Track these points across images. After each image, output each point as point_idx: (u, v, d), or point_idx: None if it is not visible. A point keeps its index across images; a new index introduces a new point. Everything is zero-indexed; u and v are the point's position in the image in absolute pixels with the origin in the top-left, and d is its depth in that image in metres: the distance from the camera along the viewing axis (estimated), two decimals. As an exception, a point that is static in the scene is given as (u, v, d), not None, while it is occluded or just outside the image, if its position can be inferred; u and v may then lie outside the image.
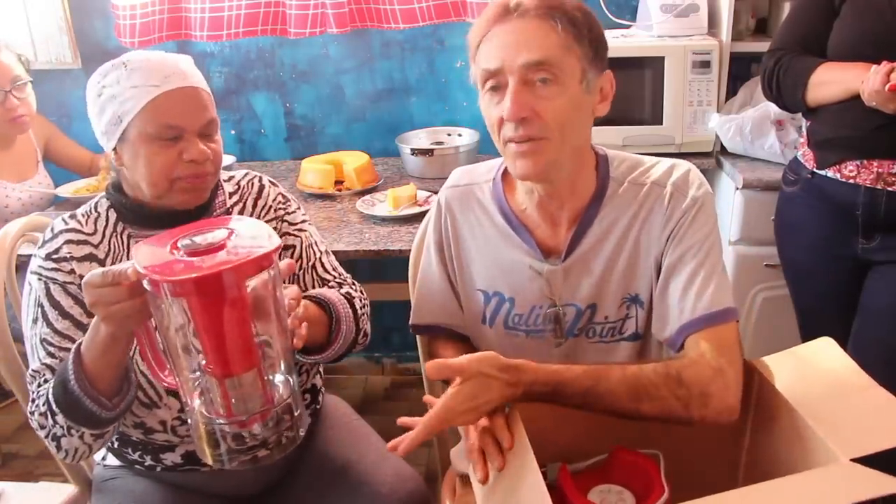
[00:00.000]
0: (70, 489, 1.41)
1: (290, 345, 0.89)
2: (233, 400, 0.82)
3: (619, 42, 2.06)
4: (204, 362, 0.82)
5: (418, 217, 1.83)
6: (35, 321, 1.10)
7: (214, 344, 0.79)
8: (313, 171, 2.17)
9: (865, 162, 1.45)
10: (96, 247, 1.13)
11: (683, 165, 1.07)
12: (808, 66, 1.49)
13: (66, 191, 2.17)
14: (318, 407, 1.36)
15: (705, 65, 1.99)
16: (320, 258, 1.27)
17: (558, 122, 0.97)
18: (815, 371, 0.93)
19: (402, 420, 0.93)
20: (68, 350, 1.04)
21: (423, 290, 1.22)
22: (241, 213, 1.23)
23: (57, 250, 1.11)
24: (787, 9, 1.96)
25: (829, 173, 1.51)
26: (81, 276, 1.05)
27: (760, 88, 1.65)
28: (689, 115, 2.03)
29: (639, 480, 0.89)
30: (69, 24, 2.40)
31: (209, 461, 0.86)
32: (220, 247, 0.78)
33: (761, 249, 1.91)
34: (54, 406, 0.99)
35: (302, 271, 1.24)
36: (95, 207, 1.17)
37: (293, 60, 2.43)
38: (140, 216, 1.14)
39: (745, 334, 2.00)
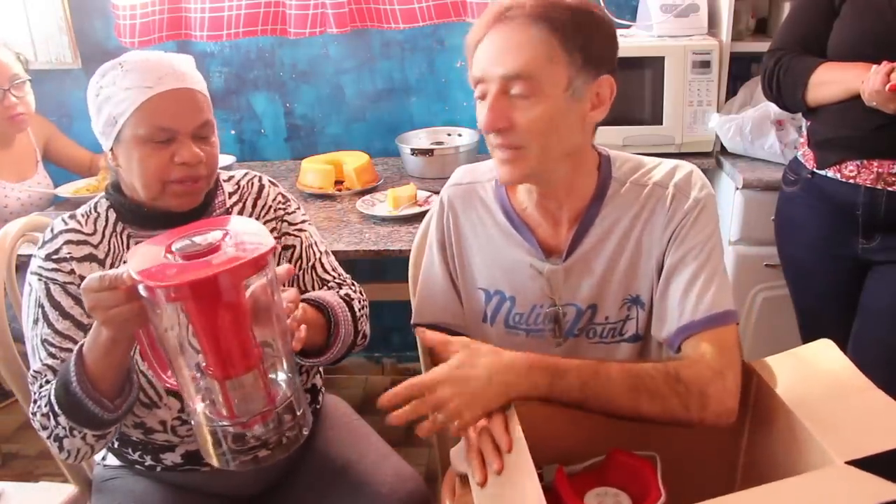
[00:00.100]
0: (70, 489, 1.41)
1: (290, 346, 0.89)
2: (235, 401, 0.82)
3: (619, 42, 2.05)
4: (204, 364, 0.82)
5: (418, 217, 1.83)
6: (36, 322, 1.10)
7: (213, 346, 0.79)
8: (313, 171, 2.17)
9: (865, 162, 1.45)
10: (96, 247, 1.13)
11: (686, 167, 1.07)
12: (809, 66, 1.49)
13: (65, 191, 2.16)
14: (318, 407, 1.36)
15: (705, 65, 1.99)
16: (320, 258, 1.27)
17: (535, 132, 0.97)
18: (813, 373, 0.93)
19: (385, 396, 0.92)
20: (69, 350, 1.04)
21: (424, 288, 1.22)
22: (240, 212, 1.23)
23: (57, 251, 1.11)
24: (787, 9, 1.96)
25: (830, 173, 1.51)
26: (82, 277, 1.06)
27: (760, 88, 1.65)
28: (689, 115, 2.03)
29: (636, 483, 0.89)
30: (69, 24, 2.40)
31: (214, 462, 0.86)
32: (214, 249, 0.78)
33: (761, 249, 1.91)
34: (56, 407, 0.99)
35: (302, 271, 1.24)
36: (95, 207, 1.17)
37: (293, 60, 2.42)
38: (139, 216, 1.14)
39: (745, 334, 2.00)
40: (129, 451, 1.21)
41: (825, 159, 1.52)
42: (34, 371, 1.08)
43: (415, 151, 2.19)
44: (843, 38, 1.46)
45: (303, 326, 0.94)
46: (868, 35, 1.42)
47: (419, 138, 2.32)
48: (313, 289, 1.23)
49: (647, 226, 1.05)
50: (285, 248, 1.24)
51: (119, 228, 1.15)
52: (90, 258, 1.12)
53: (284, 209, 1.27)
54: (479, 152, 2.21)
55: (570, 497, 0.86)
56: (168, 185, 1.08)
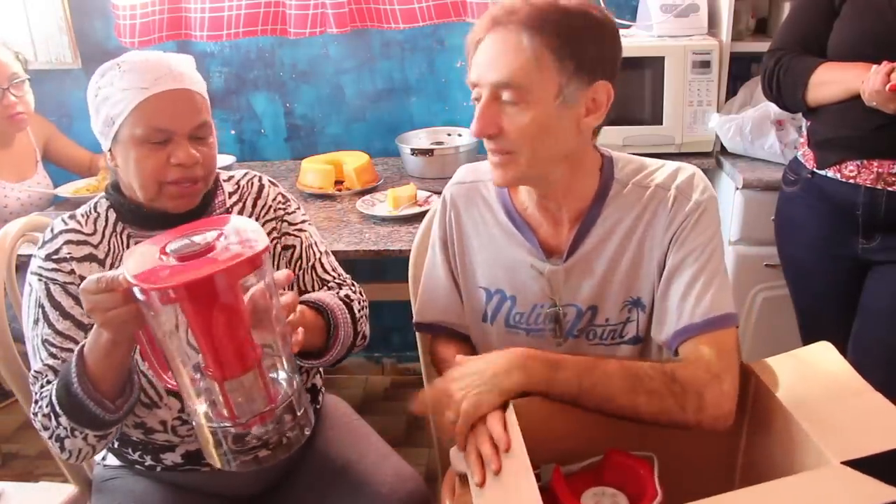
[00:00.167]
0: (70, 489, 1.41)
1: (290, 347, 0.89)
2: (236, 401, 0.82)
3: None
4: (203, 365, 0.82)
5: (418, 217, 1.83)
6: (36, 322, 1.10)
7: (210, 346, 0.79)
8: (313, 171, 2.17)
9: (865, 162, 1.45)
10: (96, 247, 1.13)
11: (688, 169, 1.07)
12: (809, 66, 1.49)
13: (65, 191, 2.16)
14: (318, 407, 1.36)
15: (705, 65, 1.98)
16: (320, 258, 1.27)
17: (525, 138, 0.98)
18: (812, 375, 0.94)
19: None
20: (70, 350, 1.04)
21: (426, 287, 1.23)
22: (240, 212, 1.23)
23: (57, 251, 1.11)
24: (787, 9, 1.96)
25: (830, 173, 1.51)
26: (82, 277, 1.06)
27: (760, 88, 1.65)
28: (689, 115, 2.03)
29: (633, 483, 0.90)
30: (69, 24, 2.40)
31: (216, 463, 0.86)
32: (208, 250, 0.78)
33: (761, 249, 1.91)
34: (57, 408, 0.99)
35: (302, 271, 1.24)
36: (95, 207, 1.17)
37: (293, 60, 2.42)
38: (139, 217, 1.14)
39: (744, 334, 2.00)
40: (130, 451, 1.21)
41: (825, 159, 1.52)
42: (35, 371, 1.08)
43: (415, 151, 2.19)
44: (843, 38, 1.46)
45: (300, 330, 0.94)
46: (868, 35, 1.42)
47: (419, 138, 2.32)
48: (313, 289, 1.23)
49: (648, 228, 1.05)
50: (285, 247, 1.24)
51: (119, 228, 1.15)
52: (90, 258, 1.12)
53: (284, 209, 1.27)
54: (478, 152, 2.21)
55: (567, 496, 0.87)
56: (165, 186, 1.08)
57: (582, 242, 1.07)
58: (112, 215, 1.15)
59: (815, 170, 1.54)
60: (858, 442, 0.80)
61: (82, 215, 1.15)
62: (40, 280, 1.11)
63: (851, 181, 1.47)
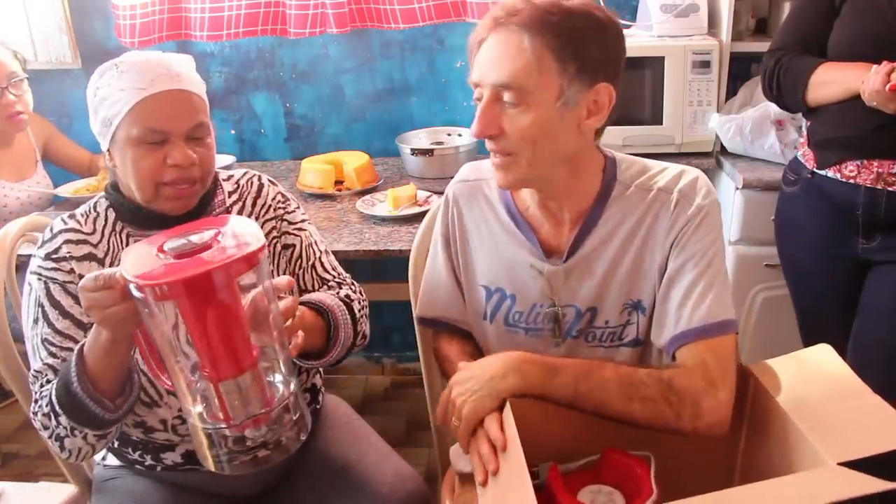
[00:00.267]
0: (70, 489, 1.41)
1: (287, 350, 0.89)
2: (231, 403, 0.82)
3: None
4: (199, 365, 0.82)
5: (418, 217, 1.83)
6: (36, 321, 1.10)
7: (205, 346, 0.79)
8: (313, 171, 2.17)
9: (866, 162, 1.45)
10: (95, 246, 1.13)
11: (692, 172, 1.06)
12: (809, 66, 1.49)
13: (65, 191, 2.16)
14: (318, 407, 1.36)
15: (705, 65, 1.99)
16: (320, 258, 1.27)
17: (525, 140, 0.98)
18: (810, 377, 0.94)
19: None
20: (70, 350, 1.04)
21: (428, 283, 1.23)
22: (240, 212, 1.23)
23: (56, 250, 1.11)
24: (787, 9, 1.96)
25: (830, 173, 1.51)
26: (81, 276, 1.05)
27: (760, 88, 1.65)
28: (689, 115, 2.03)
29: (629, 481, 0.90)
30: (69, 24, 2.40)
31: (209, 465, 0.86)
32: (205, 248, 0.78)
33: (761, 249, 1.91)
34: (57, 407, 0.99)
35: (302, 270, 1.24)
36: (94, 207, 1.17)
37: (293, 60, 2.42)
38: (138, 216, 1.14)
39: (744, 334, 2.00)
40: (130, 450, 1.21)
41: (825, 159, 1.52)
42: (35, 371, 1.08)
43: (415, 151, 2.19)
44: (843, 38, 1.46)
45: (300, 333, 0.94)
46: (868, 35, 1.42)
47: (419, 138, 2.32)
48: (313, 288, 1.23)
49: (650, 231, 1.04)
50: (285, 246, 1.24)
51: (118, 228, 1.15)
52: (89, 257, 1.12)
53: (284, 208, 1.27)
54: (478, 152, 2.21)
55: (563, 494, 0.87)
56: (162, 187, 1.08)
57: (583, 243, 1.07)
58: (111, 215, 1.15)
59: (815, 170, 1.54)
60: (856, 443, 0.80)
61: (82, 215, 1.15)
62: (40, 279, 1.11)
63: (851, 181, 1.47)
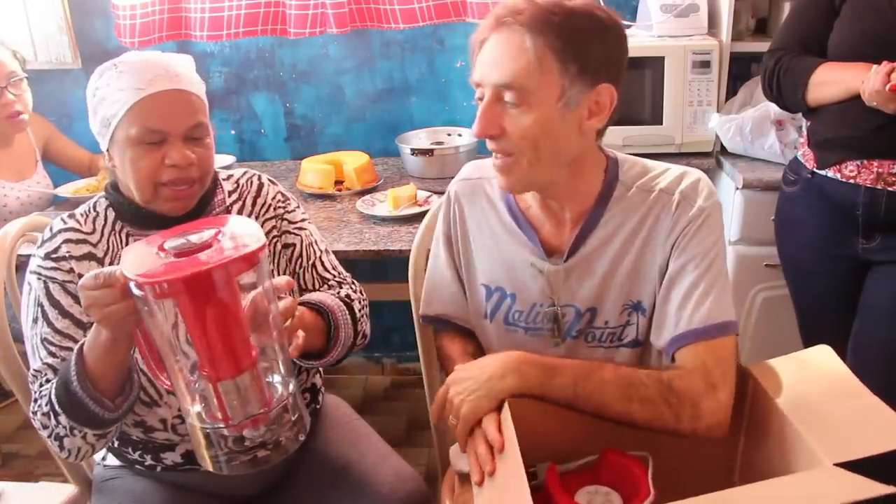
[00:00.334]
0: (70, 489, 1.41)
1: (287, 351, 0.89)
2: (230, 403, 0.82)
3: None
4: (199, 365, 0.82)
5: (418, 217, 1.83)
6: (35, 321, 1.10)
7: (204, 345, 0.79)
8: (313, 171, 2.17)
9: (866, 162, 1.45)
10: (95, 246, 1.13)
11: (694, 174, 1.06)
12: (809, 66, 1.49)
13: (65, 191, 2.16)
14: (318, 407, 1.36)
15: (705, 65, 1.98)
16: (320, 257, 1.27)
17: (526, 140, 0.98)
18: (809, 377, 0.94)
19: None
20: (69, 349, 1.04)
21: (431, 281, 1.23)
22: (240, 211, 1.23)
23: (56, 249, 1.12)
24: (787, 9, 1.95)
25: (830, 173, 1.51)
26: (80, 275, 1.05)
27: (760, 88, 1.65)
28: (689, 115, 2.03)
29: (627, 482, 0.90)
30: (69, 24, 2.40)
31: (207, 466, 0.86)
32: (205, 247, 0.79)
33: (761, 249, 1.91)
34: (57, 406, 0.99)
35: (302, 269, 1.24)
36: (94, 207, 1.17)
37: (293, 60, 2.43)
38: (138, 216, 1.14)
39: (744, 334, 2.00)
40: (129, 450, 1.21)
41: (825, 159, 1.52)
42: (34, 370, 1.08)
43: (415, 151, 2.19)
44: (843, 38, 1.46)
45: (301, 334, 0.94)
46: (868, 35, 1.42)
47: (419, 138, 2.32)
48: (314, 287, 1.23)
49: (651, 232, 1.04)
50: (285, 246, 1.24)
51: (118, 227, 1.15)
52: (89, 257, 1.12)
53: (284, 207, 1.27)
54: (478, 152, 2.21)
55: (560, 494, 0.87)
56: (160, 188, 1.08)
57: (583, 243, 1.07)
58: (111, 214, 1.16)
59: (815, 170, 1.54)
60: (853, 444, 0.80)
61: (81, 214, 1.15)
62: (39, 279, 1.11)
63: (851, 181, 1.47)
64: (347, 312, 1.16)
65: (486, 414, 0.93)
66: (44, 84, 2.33)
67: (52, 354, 1.08)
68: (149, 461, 1.20)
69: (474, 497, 0.89)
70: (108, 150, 1.10)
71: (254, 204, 1.24)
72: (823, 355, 0.95)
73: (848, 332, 1.56)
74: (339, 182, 2.17)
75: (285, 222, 1.25)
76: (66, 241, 1.12)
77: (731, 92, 2.12)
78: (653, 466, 0.90)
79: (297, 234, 1.25)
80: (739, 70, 2.16)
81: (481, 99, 1.00)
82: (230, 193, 1.24)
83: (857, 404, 0.86)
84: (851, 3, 1.45)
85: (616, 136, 2.03)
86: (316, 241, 1.28)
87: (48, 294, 1.10)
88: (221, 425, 0.83)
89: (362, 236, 1.82)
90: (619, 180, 1.07)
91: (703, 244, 1.01)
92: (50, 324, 1.09)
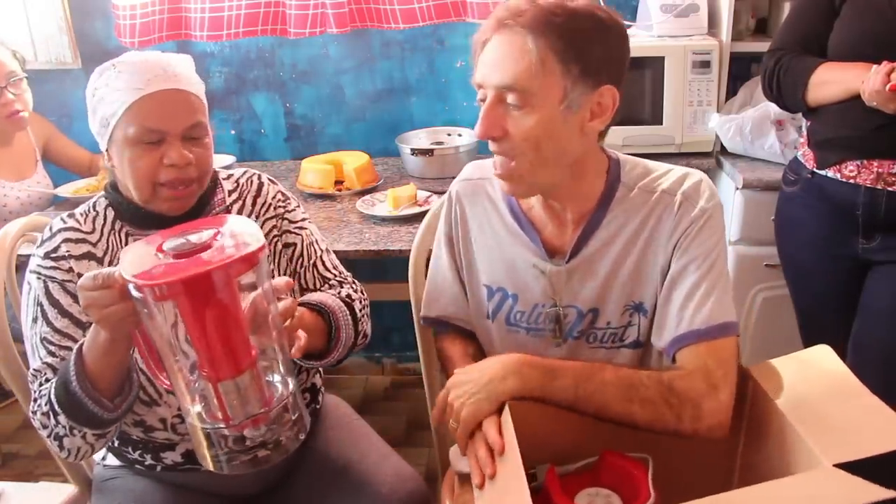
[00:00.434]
0: (70, 489, 1.41)
1: (287, 351, 0.89)
2: (230, 403, 0.82)
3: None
4: (198, 365, 0.82)
5: (418, 217, 1.83)
6: (35, 320, 1.10)
7: (203, 346, 0.79)
8: (313, 171, 2.17)
9: (866, 162, 1.45)
10: (94, 245, 1.13)
11: (696, 175, 1.06)
12: (809, 66, 1.49)
13: (65, 191, 2.16)
14: (318, 407, 1.36)
15: (705, 65, 1.98)
16: (321, 256, 1.27)
17: (528, 141, 0.97)
18: (809, 378, 0.94)
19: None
20: (69, 349, 1.04)
21: (432, 282, 1.23)
22: (240, 211, 1.23)
23: (55, 249, 1.12)
24: (787, 9, 1.95)
25: (830, 173, 1.51)
26: (80, 275, 1.05)
27: (760, 88, 1.65)
28: (689, 115, 2.03)
29: (627, 484, 0.90)
30: (69, 24, 2.40)
31: (208, 465, 0.86)
32: (204, 248, 0.78)
33: (761, 249, 1.91)
34: (56, 406, 0.99)
35: (303, 269, 1.24)
36: (94, 206, 1.17)
37: (293, 60, 2.43)
38: (137, 216, 1.14)
39: (744, 334, 2.00)
40: (129, 450, 1.21)
41: (825, 159, 1.52)
42: (34, 370, 1.08)
43: (415, 151, 2.19)
44: (843, 38, 1.46)
45: (303, 334, 0.94)
46: (868, 35, 1.42)
47: (419, 138, 2.32)
48: (315, 287, 1.23)
49: (653, 233, 1.04)
50: (286, 245, 1.24)
51: (118, 227, 1.15)
52: (89, 256, 1.12)
53: (284, 207, 1.27)
54: (478, 152, 2.21)
55: (560, 497, 0.87)
56: (159, 188, 1.08)
57: (585, 244, 1.07)
58: (111, 214, 1.16)
59: (815, 170, 1.54)
60: (853, 445, 0.80)
61: (81, 214, 1.16)
62: (39, 278, 1.11)
63: (851, 181, 1.47)
64: (348, 312, 1.16)
65: (487, 417, 0.93)
66: (44, 84, 2.33)
67: (52, 354, 1.08)
68: (149, 461, 1.20)
69: (475, 500, 0.89)
70: (107, 150, 1.10)
71: (254, 203, 1.24)
72: (823, 355, 0.95)
73: (848, 332, 1.56)
74: (339, 182, 2.17)
75: (286, 222, 1.25)
76: (66, 240, 1.12)
77: (731, 92, 2.12)
78: (653, 468, 0.90)
79: (298, 234, 1.25)
80: (739, 70, 2.16)
81: (483, 100, 0.99)
82: (230, 193, 1.24)
83: (856, 404, 0.86)
84: (851, 3, 1.45)
85: (616, 136, 2.03)
86: (317, 241, 1.28)
87: (48, 293, 1.10)
88: (222, 425, 0.83)
89: (362, 236, 1.82)
90: (621, 181, 1.07)
91: (705, 245, 1.01)
92: (49, 323, 1.09)
